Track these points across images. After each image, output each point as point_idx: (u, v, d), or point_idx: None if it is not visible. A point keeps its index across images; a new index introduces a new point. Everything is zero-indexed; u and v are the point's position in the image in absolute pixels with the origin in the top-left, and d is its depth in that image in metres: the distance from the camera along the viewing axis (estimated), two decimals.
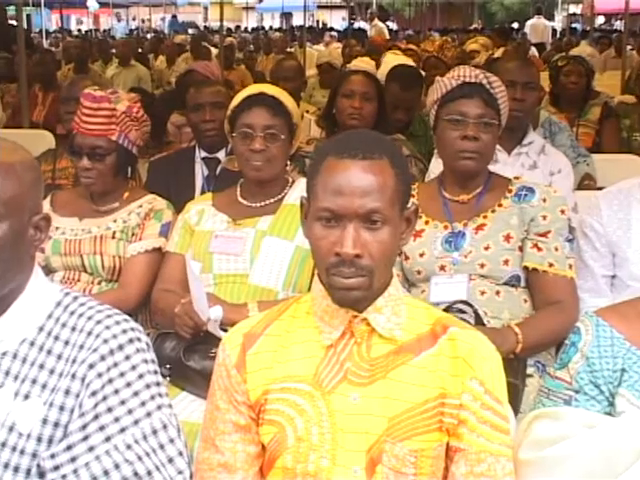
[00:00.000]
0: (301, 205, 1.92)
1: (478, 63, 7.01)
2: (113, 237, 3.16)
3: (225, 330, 2.67)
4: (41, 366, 1.75)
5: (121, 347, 1.74)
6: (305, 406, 1.83)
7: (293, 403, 1.84)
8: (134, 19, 35.68)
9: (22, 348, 1.77)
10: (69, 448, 1.68)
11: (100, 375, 1.71)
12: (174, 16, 32.02)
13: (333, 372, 1.84)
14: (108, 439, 1.69)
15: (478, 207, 2.92)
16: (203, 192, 3.99)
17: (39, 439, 1.70)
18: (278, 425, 1.84)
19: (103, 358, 1.72)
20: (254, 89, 3.13)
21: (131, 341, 1.76)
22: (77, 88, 4.51)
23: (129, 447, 1.70)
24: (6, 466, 1.70)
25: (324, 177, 1.80)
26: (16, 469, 1.70)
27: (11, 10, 31.37)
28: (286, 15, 34.91)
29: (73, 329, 1.77)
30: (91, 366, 1.71)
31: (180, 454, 1.76)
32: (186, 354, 2.68)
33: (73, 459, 1.68)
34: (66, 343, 1.76)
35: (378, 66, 6.90)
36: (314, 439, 1.81)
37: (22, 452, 1.70)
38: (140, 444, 1.71)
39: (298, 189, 3.03)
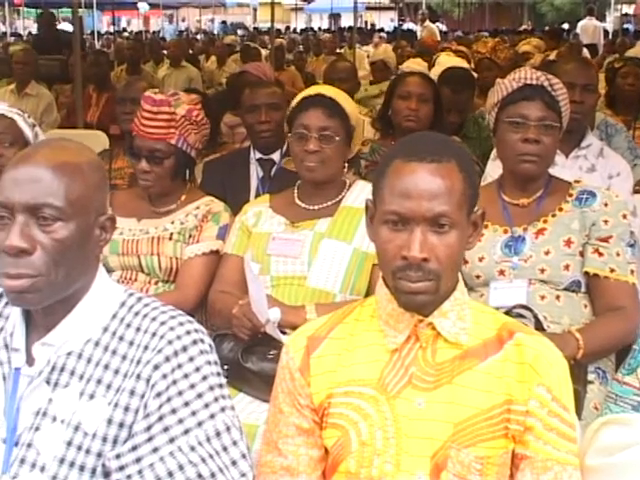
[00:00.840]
0: (366, 208, 1.90)
1: (533, 64, 6.95)
2: (170, 238, 3.17)
3: (283, 332, 2.67)
4: (106, 366, 1.76)
5: (185, 349, 1.75)
6: (369, 410, 1.81)
7: (357, 407, 1.82)
8: (183, 20, 35.96)
9: (87, 348, 1.78)
10: (134, 449, 1.69)
11: (165, 376, 1.71)
12: (224, 22, 32.28)
13: (398, 376, 1.82)
14: (172, 440, 1.70)
15: (538, 211, 2.88)
16: (258, 193, 4.00)
17: (104, 439, 1.71)
18: (342, 429, 1.83)
19: (168, 359, 1.73)
20: (312, 90, 3.13)
21: (195, 343, 1.77)
22: (133, 89, 4.57)
23: (193, 449, 1.70)
24: (72, 465, 1.71)
25: (391, 180, 1.79)
26: (82, 468, 1.71)
27: (66, 12, 31.82)
28: (334, 16, 34.98)
29: (138, 330, 1.78)
30: (156, 367, 1.72)
31: (243, 456, 1.75)
32: (244, 355, 2.68)
33: (138, 460, 1.68)
34: (131, 344, 1.77)
35: (430, 67, 6.87)
36: (378, 444, 1.79)
37: (87, 451, 1.71)
38: (204, 446, 1.71)
39: (356, 191, 3.02)
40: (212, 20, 34.51)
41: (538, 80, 2.88)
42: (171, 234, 3.18)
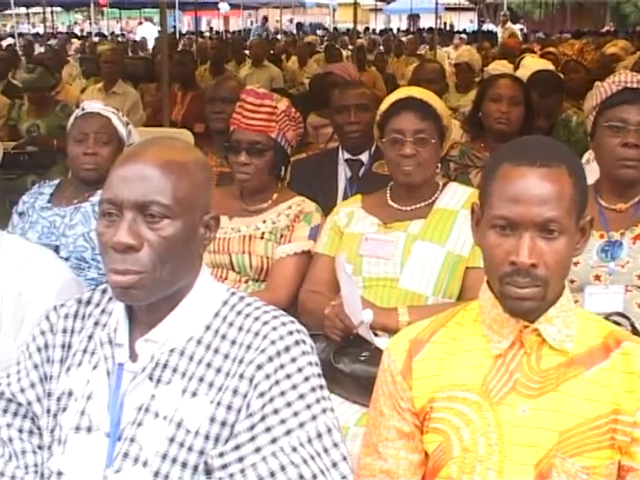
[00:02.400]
0: (472, 211, 1.88)
1: (626, 67, 6.82)
2: (262, 237, 3.18)
3: (375, 334, 2.66)
4: (208, 364, 1.77)
5: (287, 349, 1.74)
6: (472, 416, 1.79)
7: (460, 412, 1.80)
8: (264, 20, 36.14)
9: (189, 346, 1.79)
10: (237, 448, 1.69)
11: (268, 376, 1.71)
12: (299, 23, 32.42)
13: (502, 382, 1.79)
14: (274, 441, 1.69)
15: (636, 216, 2.83)
16: (346, 194, 4.01)
17: (207, 437, 1.72)
18: (443, 434, 1.81)
19: (271, 359, 1.72)
20: (402, 93, 3.11)
21: (297, 343, 1.76)
22: (223, 88, 4.62)
23: (295, 450, 1.69)
24: (174, 461, 1.72)
25: (500, 184, 1.76)
26: (184, 465, 1.72)
27: (148, 12, 32.22)
28: (413, 17, 34.78)
29: (240, 329, 1.78)
30: (259, 367, 1.72)
31: (344, 459, 1.74)
32: (336, 357, 2.67)
33: (241, 459, 1.68)
34: (233, 343, 1.77)
35: (514, 69, 6.80)
36: (481, 450, 1.77)
37: (190, 449, 1.72)
38: (305, 447, 1.70)
39: (449, 193, 3.00)
40: (291, 20, 34.66)
41: (639, 83, 2.82)
42: (262, 233, 3.19)
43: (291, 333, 1.77)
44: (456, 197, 2.97)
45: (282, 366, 1.73)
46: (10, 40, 21.02)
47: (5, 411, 1.91)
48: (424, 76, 5.83)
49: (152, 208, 1.71)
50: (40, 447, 1.89)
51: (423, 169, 2.93)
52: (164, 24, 7.06)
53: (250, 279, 3.19)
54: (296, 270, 3.12)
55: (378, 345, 2.60)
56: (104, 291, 1.94)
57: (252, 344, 1.74)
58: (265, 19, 31.50)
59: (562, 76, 6.39)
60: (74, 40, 22.36)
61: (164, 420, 1.74)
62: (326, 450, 1.72)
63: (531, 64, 6.49)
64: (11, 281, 2.33)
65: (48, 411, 1.87)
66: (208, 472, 1.71)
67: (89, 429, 1.80)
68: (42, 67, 6.53)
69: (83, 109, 3.57)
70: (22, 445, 1.89)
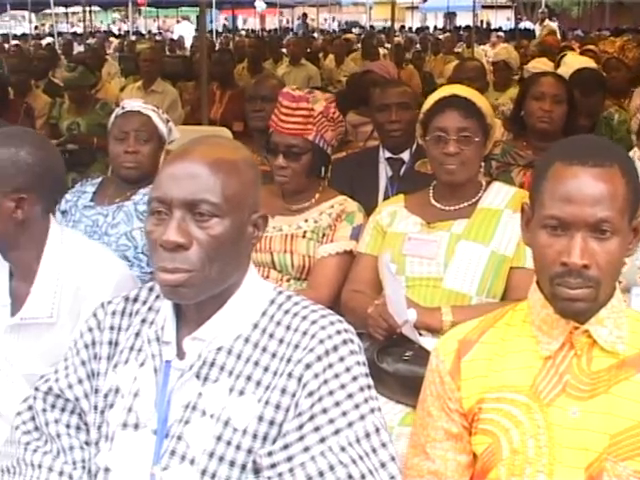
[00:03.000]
0: (522, 211, 1.86)
1: None
2: (304, 236, 3.17)
3: (419, 334, 2.65)
4: (256, 363, 1.76)
5: (336, 348, 1.73)
6: (521, 417, 1.77)
7: (509, 414, 1.79)
8: (298, 18, 36.18)
9: (237, 344, 1.79)
10: (286, 447, 1.68)
11: (317, 376, 1.70)
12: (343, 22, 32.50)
13: (551, 384, 1.78)
14: (323, 440, 1.68)
15: None
16: (386, 193, 3.99)
17: (255, 436, 1.71)
18: (492, 435, 1.79)
19: (319, 359, 1.72)
20: (446, 91, 3.09)
21: (345, 342, 1.75)
22: (263, 87, 4.62)
23: (343, 449, 1.68)
24: (221, 459, 1.72)
25: (552, 184, 1.75)
26: (232, 463, 1.71)
27: (185, 11, 32.35)
28: (450, 15, 34.66)
29: (288, 328, 1.77)
30: (308, 366, 1.71)
31: (392, 459, 1.73)
32: (379, 356, 2.66)
33: (289, 458, 1.68)
34: (280, 341, 1.76)
35: (555, 67, 6.74)
36: (530, 452, 1.75)
37: (238, 447, 1.71)
38: (354, 447, 1.69)
39: (492, 193, 2.97)
40: (333, 18, 34.67)
41: None
42: (304, 232, 3.18)
43: (339, 332, 1.76)
44: (500, 196, 2.95)
45: (330, 365, 1.72)
46: (49, 39, 21.23)
47: (53, 407, 1.93)
48: (465, 74, 5.80)
49: (201, 206, 1.71)
50: (87, 443, 1.90)
51: (467, 168, 2.91)
52: (203, 23, 7.07)
53: (292, 278, 3.18)
54: (338, 270, 3.11)
55: (423, 345, 2.59)
56: (151, 289, 1.95)
57: (300, 343, 1.74)
58: (305, 16, 31.48)
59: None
60: (112, 39, 22.55)
61: (211, 418, 1.74)
62: (374, 450, 1.71)
63: (573, 62, 6.42)
64: (70, 275, 2.37)
65: (95, 407, 1.88)
66: (256, 471, 1.71)
67: (136, 426, 1.80)
68: (83, 66, 6.58)
69: (123, 108, 3.58)
70: (70, 441, 1.91)
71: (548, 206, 1.74)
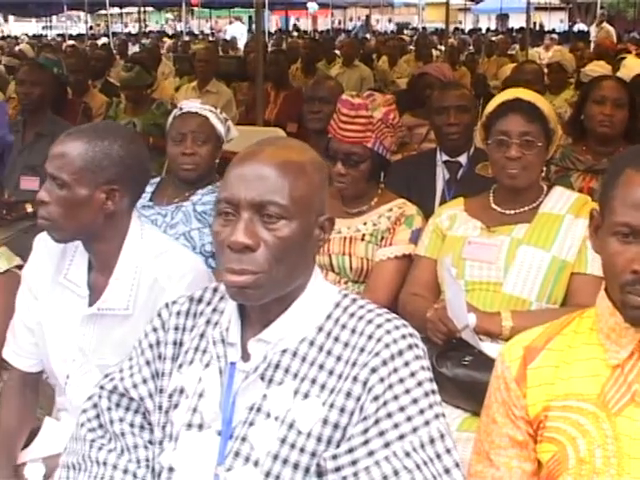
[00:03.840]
0: (591, 217, 1.84)
1: None
2: (362, 239, 3.17)
3: (479, 339, 2.63)
4: (321, 366, 1.76)
5: (401, 353, 1.73)
6: (588, 427, 1.75)
7: (575, 422, 1.76)
8: (351, 20, 36.21)
9: (302, 347, 1.78)
10: (350, 451, 1.68)
11: (382, 380, 1.70)
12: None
13: (620, 393, 1.75)
14: (387, 445, 1.68)
15: None
16: (443, 196, 3.97)
17: (319, 439, 1.71)
18: (558, 444, 1.77)
19: (385, 363, 1.71)
20: (509, 95, 3.06)
21: (410, 347, 1.74)
22: (321, 88, 4.62)
23: (408, 455, 1.67)
24: (285, 462, 1.72)
25: (623, 190, 1.72)
26: (295, 466, 1.71)
27: (237, 12, 32.50)
28: (502, 17, 34.41)
29: (353, 331, 1.77)
30: (373, 370, 1.70)
31: (456, 465, 1.72)
32: (438, 360, 2.64)
33: (354, 462, 1.67)
34: (346, 345, 1.76)
35: (614, 70, 6.66)
36: (597, 462, 1.73)
37: (302, 450, 1.71)
38: (418, 452, 1.68)
39: (554, 197, 2.94)
40: (377, 20, 34.59)
41: None
42: (363, 235, 3.18)
43: (404, 337, 1.75)
44: (561, 202, 2.92)
45: (395, 370, 1.71)
46: (104, 39, 21.47)
47: (118, 405, 1.95)
48: (523, 77, 5.75)
49: (269, 208, 1.71)
50: (151, 442, 1.91)
51: (528, 172, 2.89)
52: (259, 23, 7.09)
53: (349, 280, 3.18)
54: (396, 273, 3.10)
55: (482, 349, 2.57)
56: (215, 290, 1.95)
57: (365, 347, 1.73)
58: (367, 18, 31.37)
59: None
60: (165, 39, 22.72)
61: (275, 420, 1.74)
62: (439, 456, 1.70)
63: (633, 65, 6.35)
64: (148, 268, 2.40)
65: (160, 407, 1.89)
66: (320, 474, 1.70)
67: (200, 426, 1.81)
68: (139, 66, 6.62)
69: (181, 109, 3.60)
70: (134, 439, 1.92)
71: (619, 213, 1.72)
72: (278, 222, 1.71)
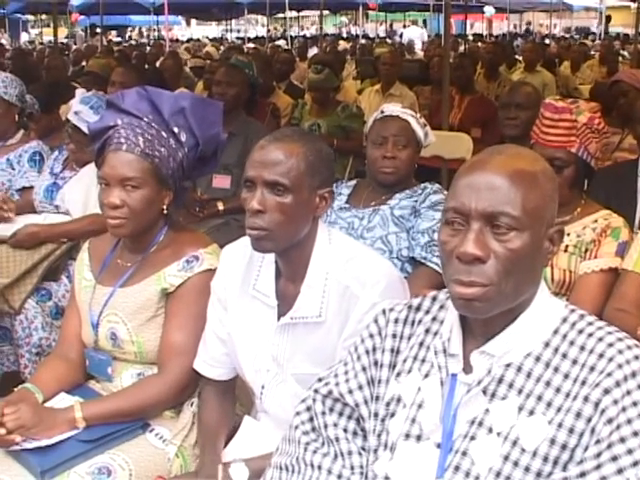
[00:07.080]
0: None
1: None
2: (565, 250, 3.07)
3: None
4: (547, 383, 1.70)
5: (634, 374, 1.65)
6: None
7: None
8: (528, 24, 35.61)
9: (527, 362, 1.73)
10: (582, 475, 1.61)
11: (616, 402, 1.62)
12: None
13: None
14: (620, 471, 1.60)
15: None
16: None
17: (545, 459, 1.65)
18: None
19: (618, 384, 1.63)
20: None
21: None
22: (517, 94, 4.54)
23: None
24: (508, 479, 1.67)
25: None
26: None
27: (414, 15, 32.42)
28: None
29: (582, 348, 1.70)
30: (606, 391, 1.63)
31: None
32: None
33: None
34: (574, 362, 1.70)
35: None
36: None
37: (527, 469, 1.66)
38: None
39: None
40: (555, 25, 33.85)
41: None
42: (566, 246, 3.08)
43: (637, 357, 1.67)
44: None
45: (629, 392, 1.63)
46: (281, 42, 21.88)
47: (332, 410, 1.94)
48: None
49: (500, 219, 1.66)
50: (364, 449, 1.90)
51: None
52: (447, 27, 7.03)
53: (551, 293, 3.07)
54: (601, 287, 2.99)
55: None
56: (434, 298, 1.92)
57: (596, 366, 1.66)
58: (528, 24, 30.91)
59: None
60: (341, 42, 22.94)
61: (498, 436, 1.70)
62: None
63: None
64: (339, 275, 2.32)
65: (375, 415, 1.87)
66: None
67: (419, 438, 1.79)
68: (328, 68, 6.68)
69: (382, 112, 3.61)
70: (348, 445, 1.92)
71: None
72: (509, 233, 1.67)
